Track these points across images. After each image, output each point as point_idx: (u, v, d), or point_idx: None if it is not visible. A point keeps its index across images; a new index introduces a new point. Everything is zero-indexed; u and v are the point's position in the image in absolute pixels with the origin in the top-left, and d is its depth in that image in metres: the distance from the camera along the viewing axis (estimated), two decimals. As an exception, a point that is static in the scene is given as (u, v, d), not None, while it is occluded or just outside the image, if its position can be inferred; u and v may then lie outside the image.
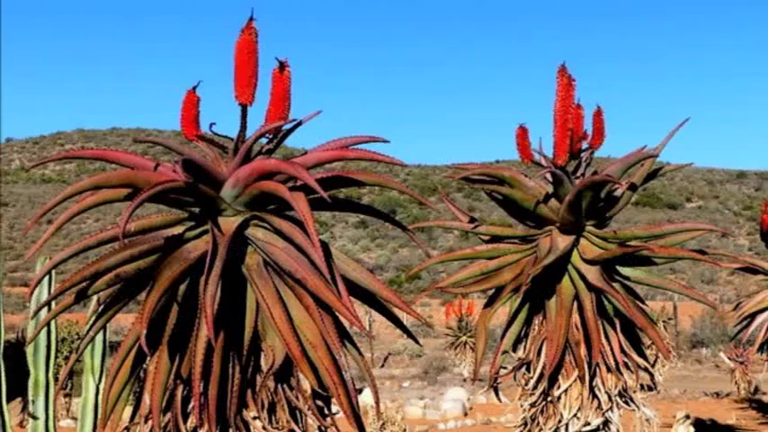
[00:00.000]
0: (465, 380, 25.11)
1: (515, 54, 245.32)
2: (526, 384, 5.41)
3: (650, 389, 5.64)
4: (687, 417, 13.30)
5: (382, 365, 32.56)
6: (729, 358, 23.44)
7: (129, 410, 3.54)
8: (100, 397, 5.62)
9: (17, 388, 6.78)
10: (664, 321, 27.14)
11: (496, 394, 5.76)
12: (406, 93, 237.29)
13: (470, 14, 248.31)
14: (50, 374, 5.94)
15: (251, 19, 3.46)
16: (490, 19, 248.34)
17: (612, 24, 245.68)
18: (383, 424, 12.62)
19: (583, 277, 5.13)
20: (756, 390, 22.45)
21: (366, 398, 13.78)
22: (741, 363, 22.41)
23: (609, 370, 5.28)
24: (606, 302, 5.21)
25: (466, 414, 19.07)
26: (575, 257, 5.21)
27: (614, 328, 5.26)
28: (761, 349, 10.26)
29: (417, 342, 3.98)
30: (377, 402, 3.70)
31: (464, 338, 26.06)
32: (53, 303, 3.47)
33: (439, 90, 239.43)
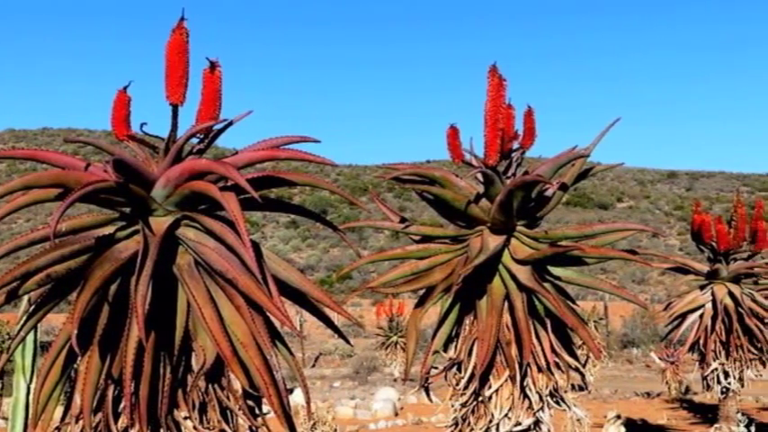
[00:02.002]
0: (396, 380, 25.20)
1: (446, 54, 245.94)
2: (457, 384, 5.49)
3: (581, 389, 5.77)
4: (618, 417, 13.49)
5: (313, 365, 32.62)
6: (660, 358, 23.76)
7: (60, 410, 3.58)
8: (31, 397, 5.62)
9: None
10: (595, 321, 27.43)
11: (427, 394, 5.84)
12: (337, 92, 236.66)
13: (400, 14, 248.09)
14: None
15: (182, 19, 3.53)
16: (421, 19, 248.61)
17: (543, 24, 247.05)
18: (314, 424, 12.68)
19: (514, 277, 5.23)
20: (687, 390, 22.77)
21: (297, 398, 13.84)
22: (672, 363, 22.73)
23: (540, 370, 5.37)
24: (537, 302, 5.31)
25: (397, 414, 19.17)
26: (506, 257, 5.31)
27: (545, 328, 5.37)
28: (692, 349, 10.49)
29: (348, 342, 4.07)
30: (308, 402, 3.78)
31: (395, 338, 26.12)
32: (-18, 304, 3.51)
33: (369, 89, 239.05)
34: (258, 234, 67.07)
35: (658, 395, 22.79)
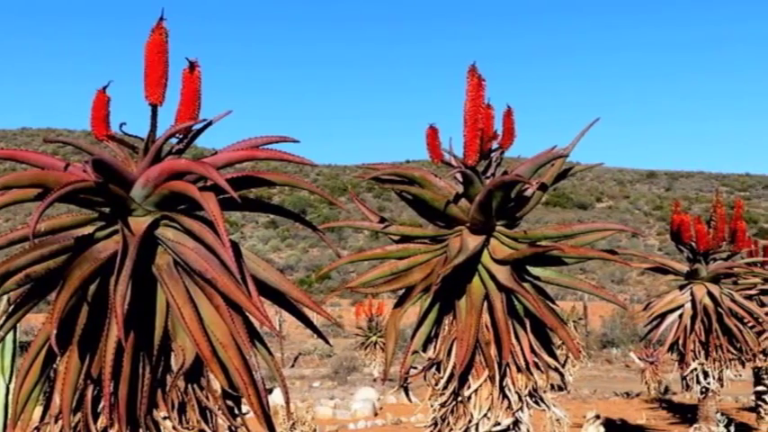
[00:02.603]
0: (375, 380, 25.24)
1: (425, 54, 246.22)
2: (436, 384, 5.51)
3: (560, 389, 5.81)
4: (597, 417, 13.55)
5: (292, 365, 32.63)
6: (640, 358, 23.87)
7: (39, 410, 3.59)
8: (10, 397, 5.63)
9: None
10: (574, 321, 27.52)
11: (407, 394, 5.85)
12: (316, 92, 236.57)
13: (379, 14, 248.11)
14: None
15: (161, 19, 3.54)
16: (399, 19, 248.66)
17: (522, 23, 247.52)
18: (293, 424, 12.70)
19: (493, 277, 5.26)
20: (666, 390, 22.89)
21: (276, 398, 13.84)
22: (651, 363, 22.85)
23: (519, 370, 5.39)
24: (516, 302, 5.35)
25: (376, 414, 19.21)
26: (485, 257, 5.34)
27: (524, 329, 5.39)
28: (671, 349, 10.55)
29: (327, 342, 4.09)
30: (287, 402, 3.80)
31: (374, 338, 26.16)
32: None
33: (348, 90, 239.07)
34: (237, 234, 67.02)
35: (638, 395, 22.91)
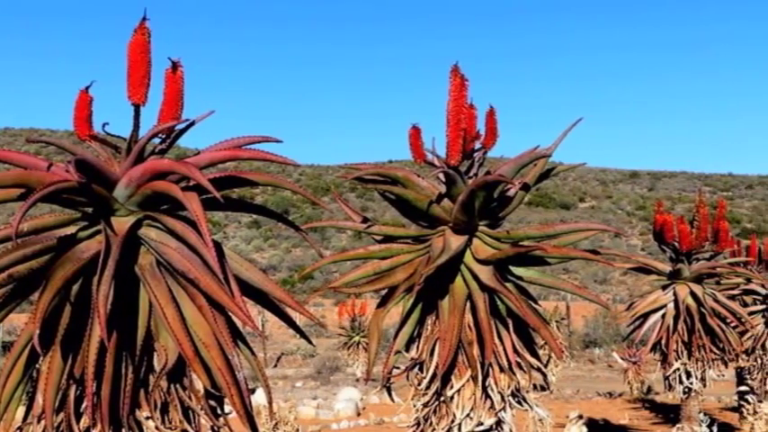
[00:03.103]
0: (358, 380, 25.29)
1: (408, 53, 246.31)
2: (419, 384, 5.52)
3: (543, 389, 5.82)
4: (580, 417, 13.58)
5: (275, 365, 32.64)
6: (622, 358, 23.97)
7: (22, 410, 3.60)
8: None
9: None
10: (557, 321, 27.60)
11: (389, 394, 5.86)
12: (299, 92, 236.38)
13: (363, 14, 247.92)
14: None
15: (144, 19, 3.55)
16: (381, 18, 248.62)
17: (504, 24, 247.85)
18: (276, 424, 12.70)
19: (476, 277, 5.28)
20: (649, 390, 22.99)
21: (259, 398, 13.85)
22: (634, 363, 22.94)
23: (502, 370, 5.41)
24: (499, 302, 5.36)
25: (359, 414, 19.24)
26: (468, 257, 5.36)
27: (507, 329, 5.41)
28: (654, 349, 10.58)
29: (310, 342, 4.12)
30: (270, 403, 3.82)
31: (357, 338, 26.21)
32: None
33: (330, 89, 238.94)
34: (220, 234, 66.94)
35: (620, 395, 22.99)
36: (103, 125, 3.63)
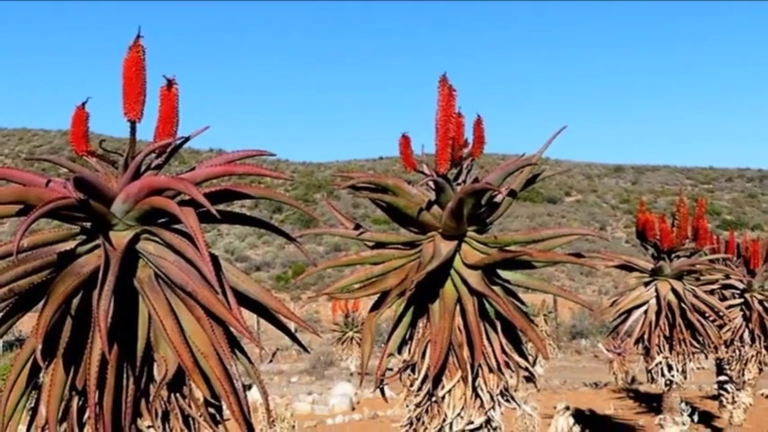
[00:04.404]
0: (352, 374, 25.35)
1: (393, 54, 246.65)
2: (411, 385, 5.53)
3: (528, 380, 5.78)
4: (567, 408, 13.63)
5: (270, 361, 32.67)
6: (607, 349, 24.07)
7: (27, 419, 3.59)
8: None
9: None
10: (545, 314, 27.71)
11: (382, 394, 5.89)
12: (292, 91, 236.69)
13: (357, 13, 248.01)
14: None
15: (138, 36, 3.53)
16: (377, 17, 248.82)
17: (491, 14, 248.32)
18: (272, 420, 12.73)
19: (465, 281, 5.27)
20: (633, 380, 23.10)
21: (256, 394, 13.84)
22: (619, 354, 23.06)
23: (491, 370, 5.41)
24: (488, 306, 5.36)
25: (353, 409, 19.27)
26: (457, 262, 5.35)
27: (496, 330, 5.41)
28: (637, 343, 10.60)
29: (305, 349, 4.11)
30: (267, 409, 3.81)
31: (351, 334, 26.31)
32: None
33: (323, 88, 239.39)
34: (215, 232, 66.79)
35: (606, 385, 23.09)
36: (101, 142, 3.62)
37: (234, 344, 3.59)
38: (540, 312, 28.13)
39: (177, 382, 3.57)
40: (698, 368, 10.82)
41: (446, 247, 5.30)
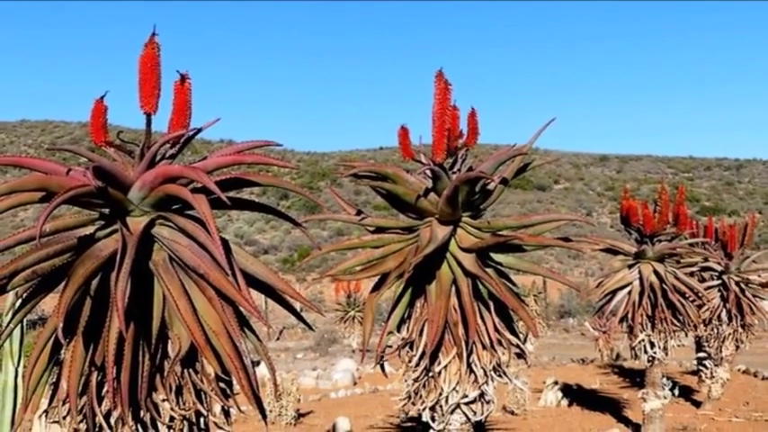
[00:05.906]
0: (354, 351, 25.39)
1: (393, 51, 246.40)
2: (409, 362, 5.56)
3: (519, 356, 5.79)
4: (555, 383, 13.63)
5: (277, 338, 32.73)
6: (594, 328, 24.11)
7: (48, 393, 3.61)
8: (19, 380, 5.66)
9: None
10: (535, 295, 27.71)
11: (382, 370, 5.93)
12: (298, 84, 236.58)
13: (358, 7, 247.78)
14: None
15: (153, 34, 3.52)
16: (373, 19, 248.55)
17: (482, 10, 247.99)
18: (279, 394, 12.76)
19: (460, 264, 5.29)
20: (618, 356, 23.15)
21: (264, 370, 13.87)
22: (604, 332, 23.10)
23: (484, 347, 5.44)
24: (481, 287, 5.38)
25: (355, 383, 19.32)
26: (452, 246, 5.37)
27: (489, 310, 5.44)
28: (621, 321, 10.63)
29: (310, 327, 4.12)
30: (275, 383, 3.82)
31: (353, 313, 26.35)
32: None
33: (327, 82, 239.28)
34: (225, 217, 66.81)
35: (592, 361, 23.13)
36: (118, 133, 3.62)
37: (243, 322, 3.60)
38: (531, 293, 28.17)
39: (190, 359, 3.57)
40: (678, 345, 10.85)
41: (442, 231, 5.32)
